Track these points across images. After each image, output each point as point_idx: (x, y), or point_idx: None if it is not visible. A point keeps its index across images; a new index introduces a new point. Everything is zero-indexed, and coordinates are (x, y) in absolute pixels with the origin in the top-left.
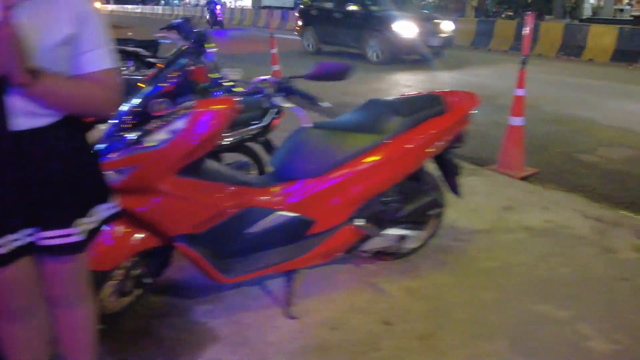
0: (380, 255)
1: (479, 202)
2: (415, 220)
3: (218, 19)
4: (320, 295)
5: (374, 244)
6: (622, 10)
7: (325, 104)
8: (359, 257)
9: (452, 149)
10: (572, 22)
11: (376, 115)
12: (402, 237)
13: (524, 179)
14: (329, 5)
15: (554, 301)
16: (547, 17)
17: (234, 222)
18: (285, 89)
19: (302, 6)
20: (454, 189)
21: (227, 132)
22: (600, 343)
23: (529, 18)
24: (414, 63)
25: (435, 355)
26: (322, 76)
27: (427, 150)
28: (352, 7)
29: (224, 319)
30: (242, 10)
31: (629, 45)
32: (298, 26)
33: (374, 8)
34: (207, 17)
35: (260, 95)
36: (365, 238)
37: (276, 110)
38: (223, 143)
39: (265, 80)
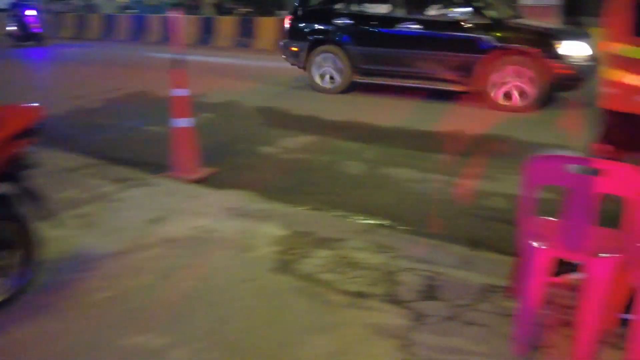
0: None
1: (126, 219)
2: None
3: (32, 30)
4: None
5: None
6: None
7: None
8: None
9: (18, 173)
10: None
11: None
12: None
13: (199, 181)
14: (380, 9)
15: (158, 328)
16: (283, 12)
17: None
18: None
19: (299, 11)
20: (43, 215)
21: None
22: None
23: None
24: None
25: None
26: None
27: None
28: (447, 13)
29: None
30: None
31: None
32: (294, 47)
33: (493, 14)
34: (12, 28)
35: None
36: None
37: None
38: None
39: None
